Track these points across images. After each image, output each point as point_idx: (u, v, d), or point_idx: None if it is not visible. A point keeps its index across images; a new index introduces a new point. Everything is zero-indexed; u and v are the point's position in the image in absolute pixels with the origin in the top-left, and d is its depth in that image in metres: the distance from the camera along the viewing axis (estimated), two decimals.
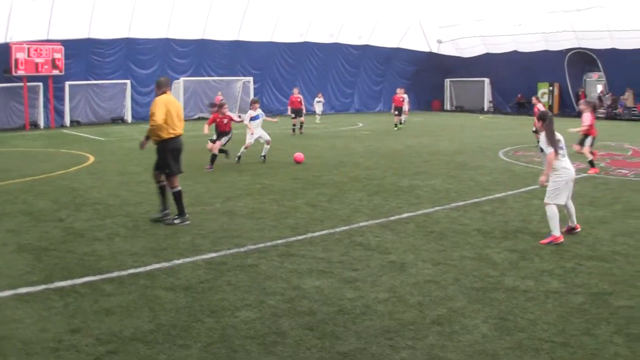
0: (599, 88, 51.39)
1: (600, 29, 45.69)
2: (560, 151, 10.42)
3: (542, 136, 10.55)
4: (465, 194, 15.10)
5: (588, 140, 18.71)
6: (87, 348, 6.34)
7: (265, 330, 6.78)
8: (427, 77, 58.05)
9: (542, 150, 11.00)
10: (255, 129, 21.39)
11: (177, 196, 11.82)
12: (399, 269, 8.99)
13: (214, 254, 9.71)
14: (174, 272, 8.82)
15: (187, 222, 11.74)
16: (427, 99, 59.60)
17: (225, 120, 20.32)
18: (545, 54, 51.25)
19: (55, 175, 18.33)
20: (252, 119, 21.50)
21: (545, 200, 10.60)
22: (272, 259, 9.47)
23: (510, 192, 15.38)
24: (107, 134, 33.02)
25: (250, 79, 48.27)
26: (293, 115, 33.54)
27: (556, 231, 10.42)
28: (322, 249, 10.01)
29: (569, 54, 50.35)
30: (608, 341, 6.54)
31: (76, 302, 7.66)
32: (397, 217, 12.55)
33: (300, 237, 10.79)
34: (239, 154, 20.61)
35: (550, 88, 52.84)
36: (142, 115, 43.62)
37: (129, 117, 42.90)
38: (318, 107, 42.38)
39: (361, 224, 11.90)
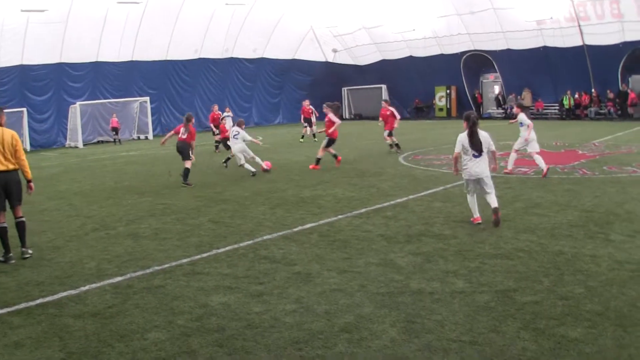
0: (497, 89, 52.65)
1: (494, 30, 46.83)
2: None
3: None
4: (368, 201, 15.37)
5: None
6: None
7: (176, 350, 6.82)
8: (324, 86, 58.47)
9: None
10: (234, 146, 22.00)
11: None
12: (305, 280, 9.11)
13: (120, 278, 9.64)
14: (82, 299, 8.74)
15: (12, 262, 11.03)
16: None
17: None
18: (440, 58, 52.35)
19: None
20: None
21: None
22: (178, 278, 9.48)
23: (411, 196, 15.72)
24: None
25: (147, 98, 47.83)
26: (305, 125, 36.13)
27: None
28: (228, 265, 10.07)
29: (464, 57, 51.46)
30: (515, 337, 6.76)
31: None
32: (300, 228, 12.70)
33: (205, 255, 10.81)
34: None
35: (448, 91, 53.90)
36: (40, 142, 42.96)
37: (27, 146, 41.85)
38: (228, 122, 41.90)
39: (265, 237, 11.99)
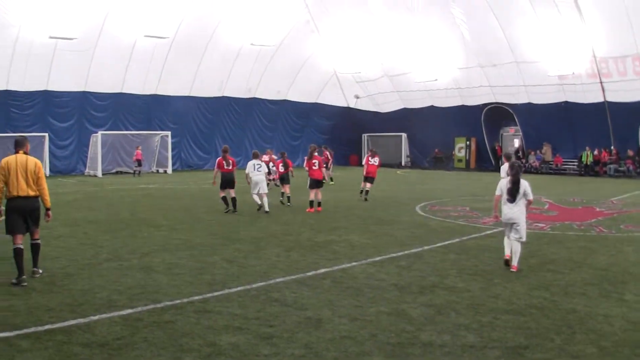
0: (516, 142, 52.58)
1: (516, 83, 46.93)
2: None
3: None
4: (382, 249, 15.24)
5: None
6: None
7: None
8: (344, 132, 58.77)
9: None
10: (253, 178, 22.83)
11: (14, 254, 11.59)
12: (315, 325, 9.03)
13: (130, 310, 9.62)
14: (91, 328, 8.72)
15: (24, 284, 11.30)
16: (345, 153, 60.11)
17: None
18: (462, 109, 52.40)
19: None
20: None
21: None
22: (188, 315, 9.43)
23: (426, 247, 15.55)
24: None
25: (168, 133, 48.17)
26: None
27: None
28: (239, 305, 10.00)
29: (485, 109, 51.45)
30: None
31: None
32: (313, 272, 12.61)
33: (217, 293, 10.76)
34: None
35: (468, 142, 53.84)
36: (59, 168, 43.35)
37: (47, 171, 42.09)
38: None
39: (278, 280, 11.91)
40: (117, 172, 46.61)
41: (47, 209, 11.92)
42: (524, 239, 12.93)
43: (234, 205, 22.25)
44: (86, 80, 43.81)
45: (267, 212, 22.05)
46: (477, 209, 23.37)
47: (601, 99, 44.11)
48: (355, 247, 15.54)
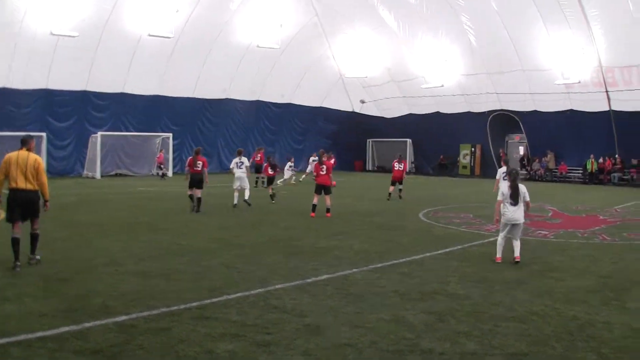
0: (521, 150, 52.60)
1: (523, 91, 46.97)
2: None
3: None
4: (384, 255, 15.13)
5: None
6: None
7: None
8: (349, 136, 58.64)
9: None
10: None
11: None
12: (315, 332, 8.89)
13: (125, 317, 9.43)
14: (84, 335, 8.54)
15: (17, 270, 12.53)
16: (349, 159, 60.02)
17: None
18: (467, 115, 52.45)
19: None
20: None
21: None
22: (185, 321, 9.27)
23: (428, 254, 15.48)
24: None
25: (170, 135, 47.98)
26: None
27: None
28: (237, 312, 9.85)
29: (491, 116, 51.47)
30: None
31: None
32: (314, 279, 12.46)
33: (215, 300, 10.60)
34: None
35: (472, 149, 53.86)
36: (57, 169, 42.96)
37: None
38: (287, 173, 41.55)
39: (277, 286, 11.75)
40: (116, 174, 46.44)
41: (46, 201, 13.19)
42: (519, 236, 14.45)
43: (199, 205, 23.38)
44: (87, 79, 43.57)
45: (245, 200, 25.19)
46: (480, 216, 23.33)
47: (606, 108, 44.28)
48: (357, 253, 15.43)
